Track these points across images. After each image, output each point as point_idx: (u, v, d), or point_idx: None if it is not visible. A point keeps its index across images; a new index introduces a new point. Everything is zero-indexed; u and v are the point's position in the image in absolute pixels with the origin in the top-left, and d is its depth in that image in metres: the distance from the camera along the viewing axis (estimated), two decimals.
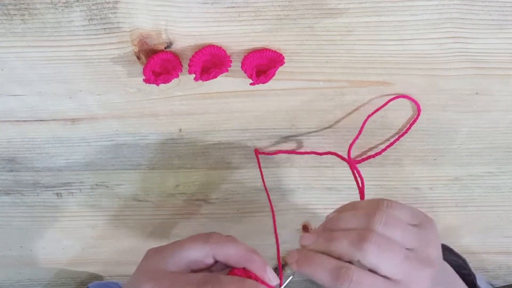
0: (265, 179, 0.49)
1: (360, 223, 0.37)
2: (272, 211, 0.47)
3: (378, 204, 0.38)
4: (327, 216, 0.40)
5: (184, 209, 0.54)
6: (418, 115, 0.46)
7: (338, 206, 0.53)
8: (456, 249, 0.56)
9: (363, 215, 0.37)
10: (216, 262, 0.38)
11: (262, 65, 0.42)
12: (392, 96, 0.45)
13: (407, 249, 0.36)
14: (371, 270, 0.35)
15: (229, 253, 0.37)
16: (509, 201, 0.53)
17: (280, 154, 0.49)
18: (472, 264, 0.58)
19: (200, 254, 0.37)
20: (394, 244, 0.36)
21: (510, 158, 0.50)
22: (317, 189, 0.52)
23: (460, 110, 0.46)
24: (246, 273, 0.37)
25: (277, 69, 0.42)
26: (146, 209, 0.53)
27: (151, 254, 0.39)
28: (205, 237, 0.38)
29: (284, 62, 0.42)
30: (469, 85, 0.45)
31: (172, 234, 0.55)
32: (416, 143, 0.49)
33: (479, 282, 0.46)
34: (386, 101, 0.45)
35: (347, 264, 0.36)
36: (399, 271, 0.36)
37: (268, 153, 0.48)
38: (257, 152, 0.49)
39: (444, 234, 0.55)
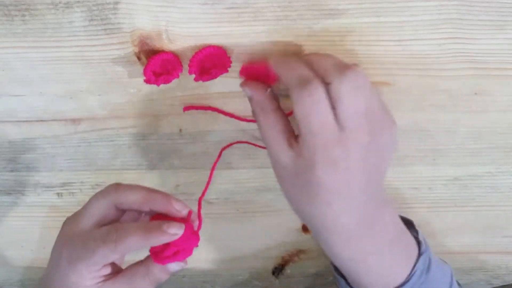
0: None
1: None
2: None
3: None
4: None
5: None
6: None
7: None
8: (456, 249, 0.57)
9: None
10: (124, 212, 0.40)
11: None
12: None
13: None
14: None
15: (129, 200, 0.38)
16: (508, 201, 0.53)
17: None
18: (472, 264, 0.59)
19: (104, 208, 0.39)
20: (364, 94, 0.34)
21: (509, 158, 0.50)
22: None
23: (459, 110, 0.46)
24: (163, 217, 0.38)
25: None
26: None
27: (66, 221, 0.41)
28: (106, 191, 0.39)
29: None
30: (468, 85, 0.45)
31: None
32: (415, 143, 0.49)
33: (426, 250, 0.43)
34: None
35: (318, 80, 0.34)
36: (352, 120, 0.33)
37: (197, 107, 0.46)
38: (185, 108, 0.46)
39: (443, 234, 0.56)
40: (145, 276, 0.40)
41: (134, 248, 0.37)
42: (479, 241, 0.56)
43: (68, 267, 0.38)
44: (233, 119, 0.47)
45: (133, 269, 0.40)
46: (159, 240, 0.37)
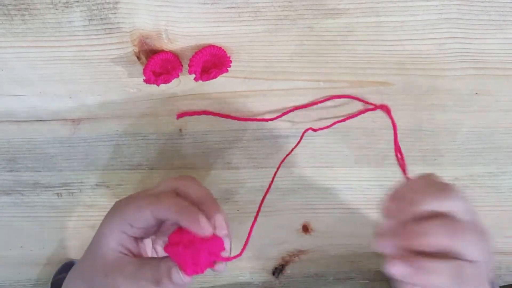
0: (265, 179, 0.50)
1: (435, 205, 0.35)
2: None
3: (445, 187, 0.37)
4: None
5: None
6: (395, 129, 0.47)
7: (338, 206, 0.53)
8: None
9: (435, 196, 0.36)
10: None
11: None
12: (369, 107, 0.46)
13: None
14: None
15: (164, 214, 0.38)
16: (509, 201, 0.53)
17: (281, 154, 0.49)
18: None
19: (146, 219, 0.38)
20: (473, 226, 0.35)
21: (510, 158, 0.50)
22: (317, 189, 0.52)
23: (460, 110, 0.46)
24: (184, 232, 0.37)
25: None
26: None
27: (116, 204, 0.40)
28: (148, 201, 0.38)
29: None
30: (468, 85, 0.45)
31: None
32: (416, 143, 0.49)
33: None
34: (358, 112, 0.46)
35: (459, 260, 0.34)
36: (480, 253, 0.34)
37: (191, 113, 0.47)
38: (179, 115, 0.47)
39: None
40: (156, 271, 0.37)
41: (166, 217, 0.38)
42: None
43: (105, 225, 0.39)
44: (233, 120, 0.47)
45: (151, 261, 0.39)
46: (190, 223, 0.37)
